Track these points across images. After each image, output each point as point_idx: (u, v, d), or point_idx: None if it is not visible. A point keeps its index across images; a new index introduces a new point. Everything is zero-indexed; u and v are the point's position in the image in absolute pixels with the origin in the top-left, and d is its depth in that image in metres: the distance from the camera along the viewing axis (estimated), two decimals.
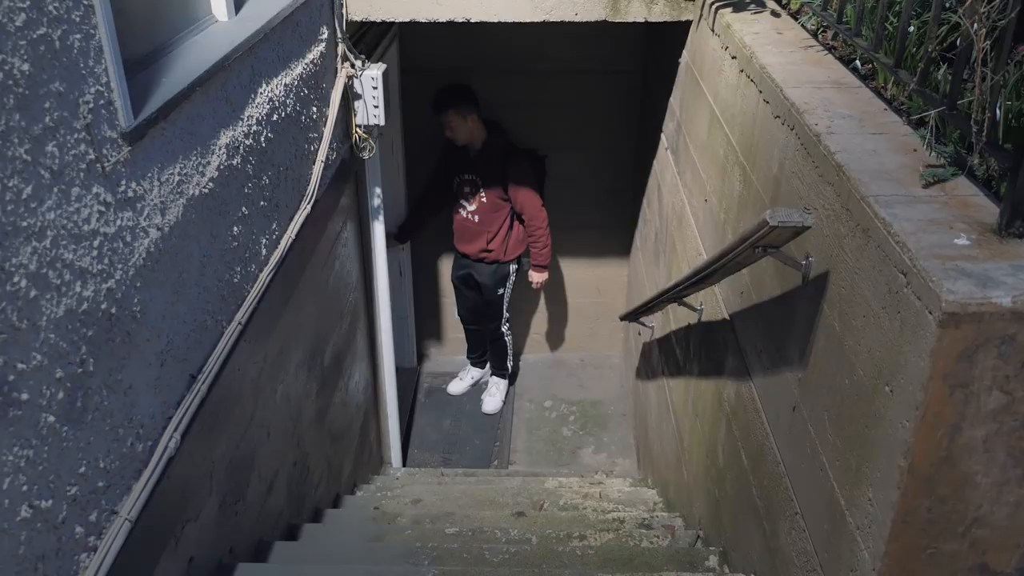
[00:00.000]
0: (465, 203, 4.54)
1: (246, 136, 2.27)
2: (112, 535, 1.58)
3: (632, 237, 5.27)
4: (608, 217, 5.33)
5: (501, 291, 4.83)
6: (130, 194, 1.64)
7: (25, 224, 1.31)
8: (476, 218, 4.53)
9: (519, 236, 4.67)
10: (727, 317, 2.57)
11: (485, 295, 4.84)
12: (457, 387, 5.33)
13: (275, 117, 2.50)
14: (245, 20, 2.38)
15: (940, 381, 1.27)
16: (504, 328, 5.04)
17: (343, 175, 3.41)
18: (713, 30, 2.91)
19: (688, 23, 3.35)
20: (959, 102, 1.53)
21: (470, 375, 5.36)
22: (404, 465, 4.76)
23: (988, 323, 1.23)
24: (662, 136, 4.11)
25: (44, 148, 1.35)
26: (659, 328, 4.00)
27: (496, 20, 3.31)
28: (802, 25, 2.56)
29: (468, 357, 5.38)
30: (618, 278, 5.55)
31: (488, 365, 5.33)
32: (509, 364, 5.24)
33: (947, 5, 1.69)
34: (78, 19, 1.44)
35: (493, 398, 5.20)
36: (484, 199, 4.47)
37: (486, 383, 5.33)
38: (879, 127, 1.79)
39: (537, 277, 4.73)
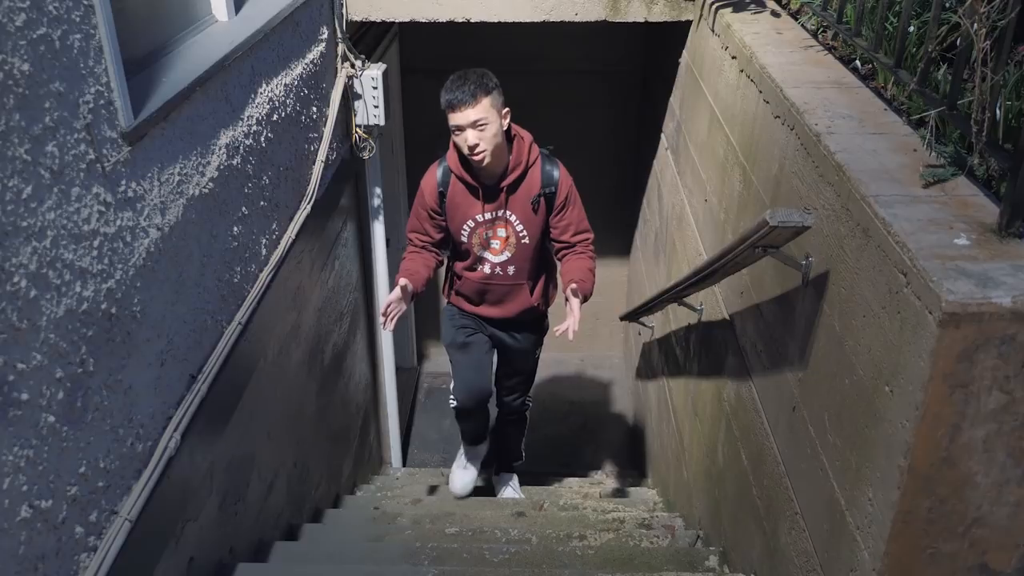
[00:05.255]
0: (487, 255, 2.97)
1: (246, 136, 2.27)
2: (112, 535, 1.58)
3: (632, 237, 5.27)
4: (608, 217, 5.32)
5: (538, 352, 3.40)
6: (130, 194, 1.64)
7: (25, 224, 1.31)
8: (511, 269, 2.99)
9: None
10: (727, 317, 2.57)
11: (516, 365, 3.39)
12: (461, 482, 3.71)
13: (275, 117, 2.50)
14: (245, 20, 2.38)
15: (940, 381, 1.26)
16: (530, 398, 3.69)
17: (343, 175, 3.41)
18: (713, 30, 2.91)
19: (688, 23, 3.35)
20: (959, 102, 1.53)
21: (472, 470, 3.74)
22: (404, 465, 4.76)
23: (988, 323, 1.22)
24: (662, 136, 4.11)
25: (44, 148, 1.35)
26: (659, 328, 4.00)
27: (496, 20, 3.32)
28: (802, 25, 2.56)
29: (468, 447, 3.70)
30: (618, 278, 5.55)
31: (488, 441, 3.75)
32: (523, 448, 3.91)
33: (947, 5, 1.69)
34: (78, 19, 1.44)
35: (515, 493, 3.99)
36: (526, 240, 2.92)
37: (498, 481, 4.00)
38: (879, 127, 1.79)
39: (578, 313, 2.71)
